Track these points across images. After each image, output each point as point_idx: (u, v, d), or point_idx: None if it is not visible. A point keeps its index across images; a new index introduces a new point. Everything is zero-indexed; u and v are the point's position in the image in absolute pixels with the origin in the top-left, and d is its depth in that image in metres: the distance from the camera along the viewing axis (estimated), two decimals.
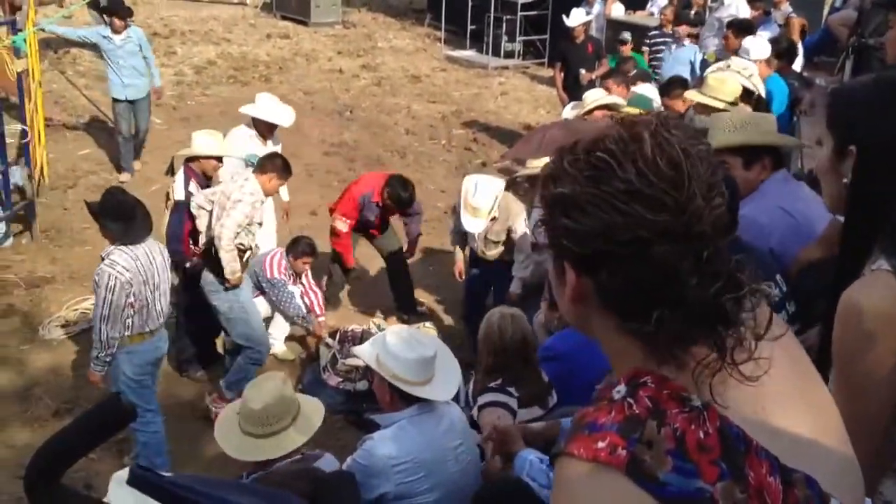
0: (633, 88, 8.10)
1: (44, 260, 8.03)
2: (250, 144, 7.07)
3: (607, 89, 7.83)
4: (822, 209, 2.86)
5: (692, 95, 5.71)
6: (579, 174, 1.20)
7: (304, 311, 6.72)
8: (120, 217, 4.99)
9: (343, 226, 6.88)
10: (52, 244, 8.31)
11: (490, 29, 16.00)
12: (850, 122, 1.86)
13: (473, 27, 16.57)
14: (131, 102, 9.74)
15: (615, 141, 1.19)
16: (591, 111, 7.16)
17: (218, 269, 5.88)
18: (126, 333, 5.04)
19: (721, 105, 5.39)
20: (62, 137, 10.94)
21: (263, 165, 6.06)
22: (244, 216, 5.80)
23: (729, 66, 6.01)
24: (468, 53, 16.61)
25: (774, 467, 1.15)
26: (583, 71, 10.45)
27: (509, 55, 16.26)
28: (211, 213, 5.97)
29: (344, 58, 16.07)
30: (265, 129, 7.11)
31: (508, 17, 15.86)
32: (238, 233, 5.80)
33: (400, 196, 6.80)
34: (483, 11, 16.08)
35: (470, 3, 16.34)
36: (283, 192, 7.33)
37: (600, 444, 1.12)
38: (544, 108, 13.77)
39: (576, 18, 10.61)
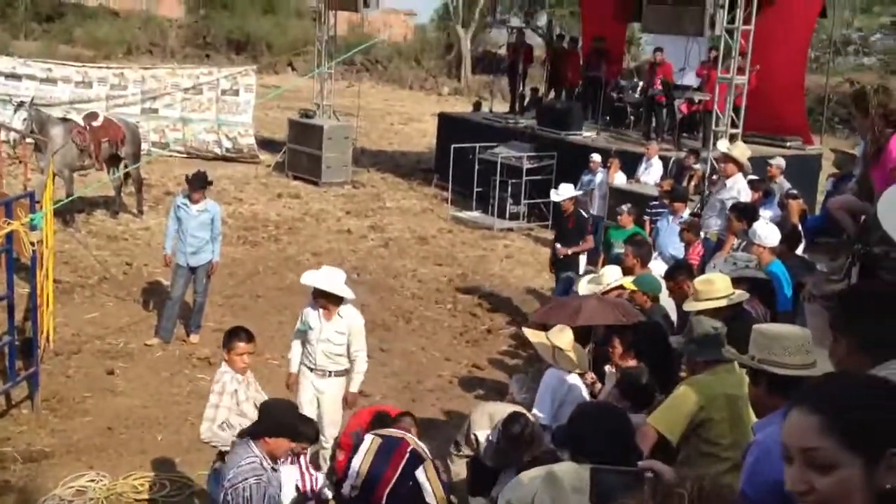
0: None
1: (43, 432, 7.91)
2: (311, 315, 7.14)
3: (625, 255, 8.01)
4: None
5: (689, 306, 5.77)
6: None
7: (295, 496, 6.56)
8: None
9: (341, 455, 6.71)
10: (52, 415, 8.21)
11: (496, 191, 16.38)
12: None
13: (479, 189, 16.97)
14: (192, 269, 9.95)
15: None
16: (607, 292, 7.28)
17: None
18: None
19: (712, 305, 5.47)
20: (70, 300, 11.02)
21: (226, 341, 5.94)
22: (213, 408, 5.73)
23: (735, 265, 6.15)
24: (474, 215, 16.95)
25: None
26: (558, 245, 10.55)
27: (514, 217, 16.59)
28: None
29: (352, 218, 16.40)
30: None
31: (514, 180, 16.27)
32: (221, 424, 5.69)
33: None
34: (489, 174, 16.50)
35: (477, 167, 16.80)
36: (354, 384, 7.27)
37: None
38: (548, 271, 13.88)
39: (563, 193, 10.74)
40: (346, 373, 7.29)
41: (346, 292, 7.10)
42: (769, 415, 3.24)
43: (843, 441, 1.67)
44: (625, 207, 11.23)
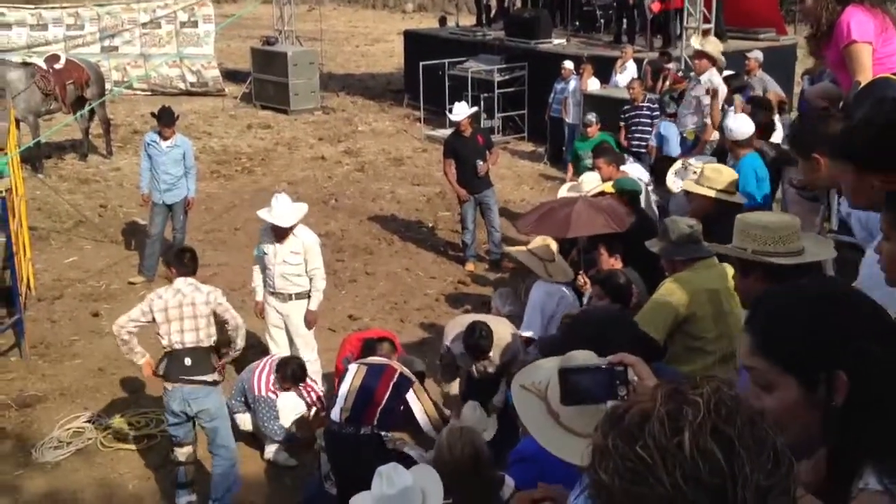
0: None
1: (34, 377, 7.91)
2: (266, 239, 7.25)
3: (598, 168, 7.88)
4: None
5: (688, 186, 5.76)
6: (621, 463, 1.17)
7: (285, 431, 6.63)
8: None
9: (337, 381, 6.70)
10: (41, 360, 8.19)
11: None
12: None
13: (451, 106, 16.72)
14: (168, 206, 9.86)
15: (655, 436, 1.15)
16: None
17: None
18: None
19: (712, 193, 5.47)
20: (47, 246, 10.91)
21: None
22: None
23: (686, 168, 6.22)
24: (448, 132, 16.71)
25: None
26: (480, 162, 10.27)
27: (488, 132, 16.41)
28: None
29: (325, 144, 16.20)
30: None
31: (486, 94, 16.06)
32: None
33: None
34: (460, 90, 16.28)
35: (447, 83, 16.56)
36: (313, 302, 7.30)
37: None
38: (527, 183, 13.87)
39: (460, 112, 10.40)
40: (308, 294, 7.30)
41: (299, 220, 7.17)
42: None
43: (774, 363, 1.57)
44: (592, 118, 11.10)
